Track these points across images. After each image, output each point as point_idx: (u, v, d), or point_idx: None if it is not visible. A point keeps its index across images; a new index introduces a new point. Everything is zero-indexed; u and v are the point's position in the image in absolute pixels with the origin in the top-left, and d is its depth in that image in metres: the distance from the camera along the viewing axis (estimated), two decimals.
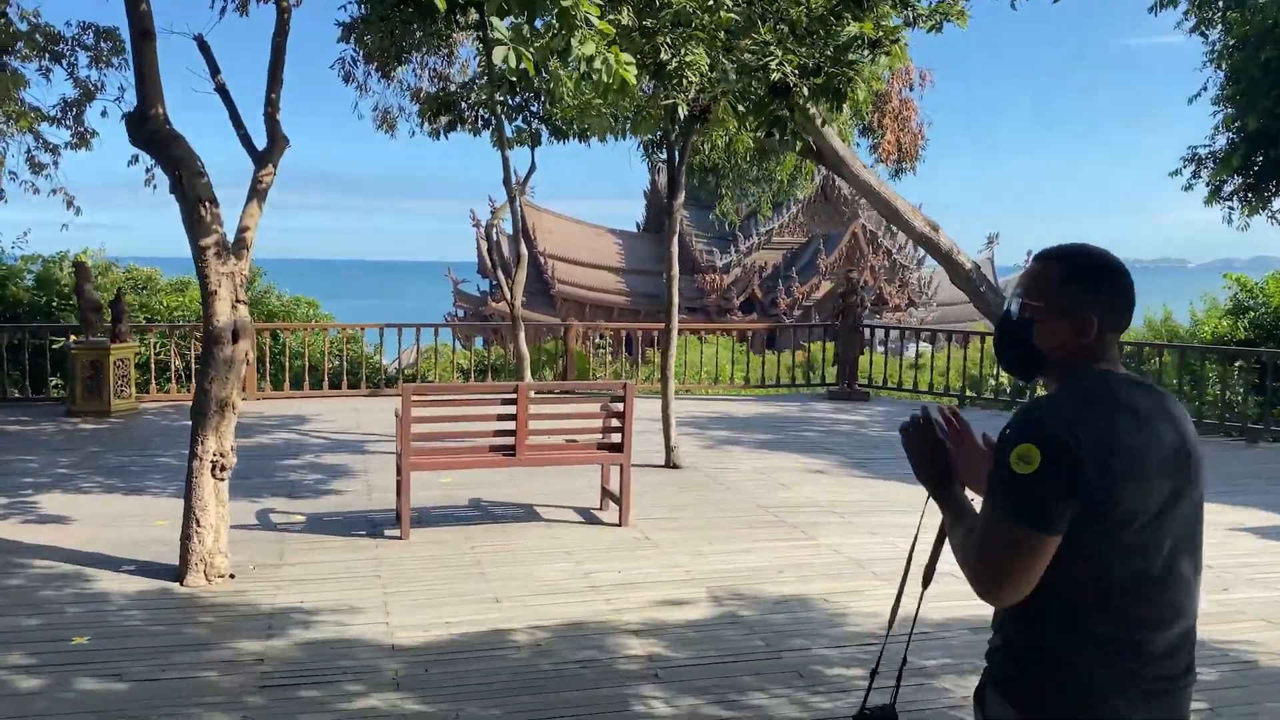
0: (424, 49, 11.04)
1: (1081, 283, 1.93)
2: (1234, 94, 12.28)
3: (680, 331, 16.13)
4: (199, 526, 6.08)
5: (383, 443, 10.05)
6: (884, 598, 5.60)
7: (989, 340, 14.67)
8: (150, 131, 6.24)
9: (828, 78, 6.75)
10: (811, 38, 6.96)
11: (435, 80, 11.83)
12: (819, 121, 11.69)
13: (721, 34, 7.10)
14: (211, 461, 6.12)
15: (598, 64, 5.86)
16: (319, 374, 13.53)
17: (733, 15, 6.87)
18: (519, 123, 10.40)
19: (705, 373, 14.95)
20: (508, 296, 10.10)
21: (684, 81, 6.76)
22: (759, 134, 7.76)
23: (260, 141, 6.83)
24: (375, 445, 10.05)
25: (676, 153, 8.60)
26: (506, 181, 9.88)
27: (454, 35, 11.28)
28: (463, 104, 10.50)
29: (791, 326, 17.48)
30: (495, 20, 5.72)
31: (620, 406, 7.28)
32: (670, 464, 9.08)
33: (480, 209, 46.20)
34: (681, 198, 8.79)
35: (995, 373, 15.31)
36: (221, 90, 6.66)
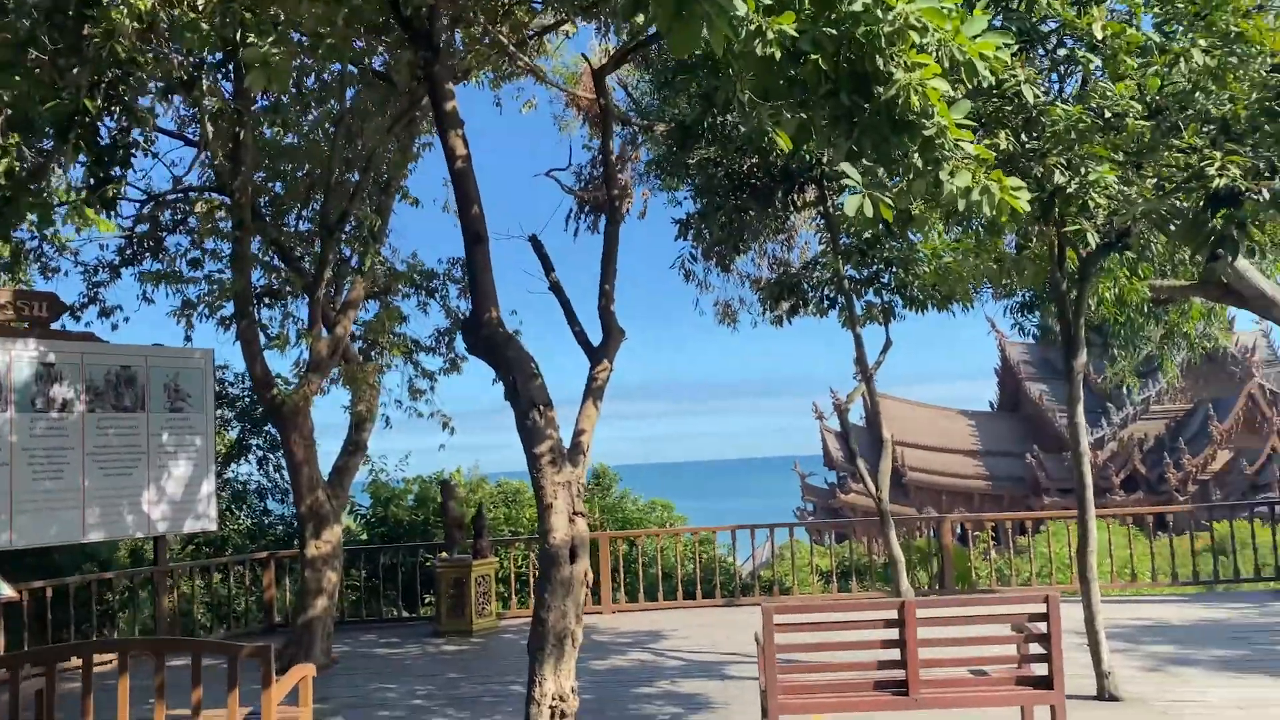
0: (762, 236, 10.40)
1: None
2: None
3: (1062, 518, 13.71)
4: None
5: (743, 664, 8.75)
6: None
7: None
8: (485, 336, 5.78)
9: None
10: (1255, 135, 5.31)
11: (774, 267, 11.13)
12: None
13: (1123, 150, 5.65)
14: (550, 708, 5.15)
15: (976, 195, 4.62)
16: (673, 581, 12.64)
17: (1142, 123, 5.41)
18: (869, 296, 9.29)
19: (1121, 570, 12.28)
20: (870, 488, 8.70)
21: (1089, 205, 5.32)
22: (1196, 258, 6.04)
23: (596, 337, 6.23)
24: (735, 668, 8.76)
25: (1070, 302, 6.99)
26: (860, 360, 8.69)
27: (791, 219, 10.58)
28: (805, 285, 9.61)
29: (1228, 506, 14.29)
30: (846, 166, 4.71)
31: (1043, 627, 5.53)
32: (1105, 695, 6.96)
33: (823, 401, 45.39)
34: (1083, 357, 7.10)
35: None
36: (555, 288, 6.17)
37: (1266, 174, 5.15)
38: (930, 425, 46.18)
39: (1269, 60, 5.80)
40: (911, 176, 4.88)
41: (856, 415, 40.36)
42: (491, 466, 17.94)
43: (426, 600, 13.10)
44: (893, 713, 6.13)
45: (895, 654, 5.58)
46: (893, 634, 5.65)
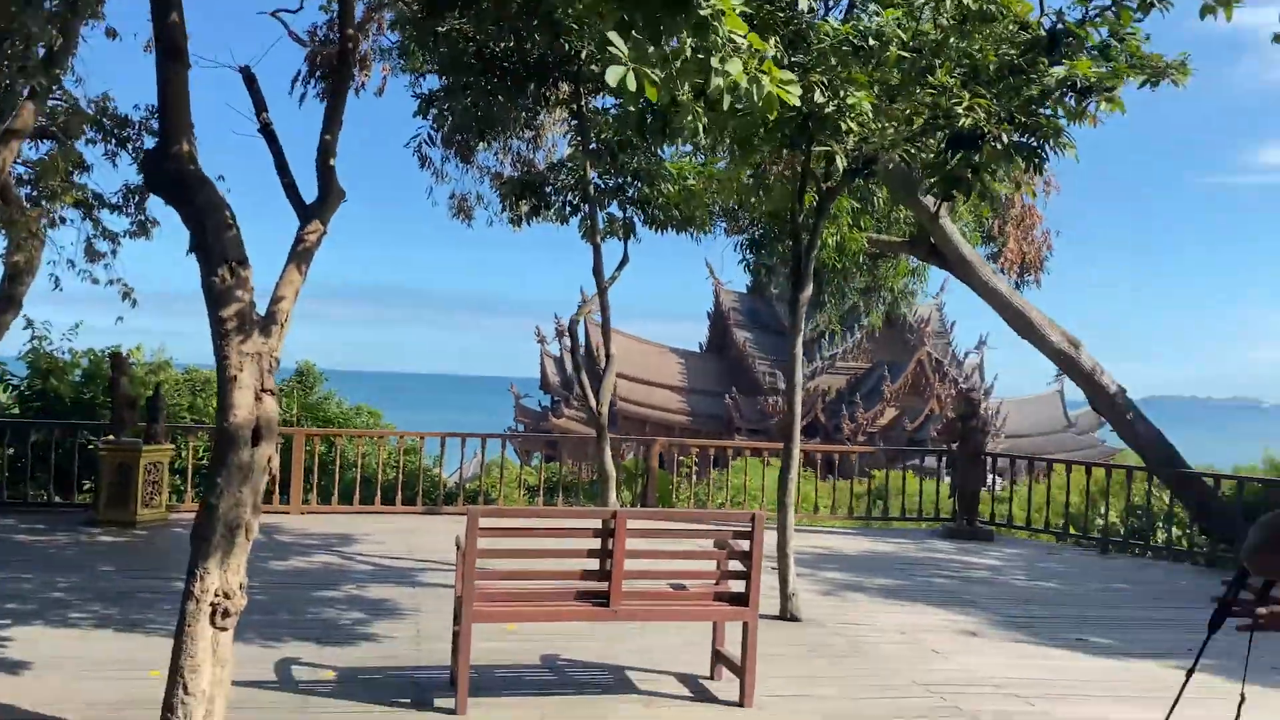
0: (508, 130, 9.74)
1: None
2: None
3: (757, 452, 14.36)
4: (186, 694, 4.35)
5: (438, 572, 8.31)
6: None
7: (1098, 472, 12.69)
8: (172, 172, 4.81)
9: (1027, 129, 5.16)
10: (1000, 85, 5.41)
11: (518, 165, 10.55)
12: (942, 213, 10.10)
13: (880, 82, 5.59)
14: (211, 605, 4.44)
15: (745, 84, 4.33)
16: (373, 487, 11.92)
17: (902, 54, 5.35)
18: (612, 209, 8.96)
19: (802, 503, 12.97)
20: (590, 401, 8.45)
21: (842, 129, 5.21)
22: (934, 193, 6.16)
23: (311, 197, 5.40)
24: (429, 575, 8.30)
25: (805, 234, 6.99)
26: (597, 270, 8.36)
27: (541, 116, 10.01)
28: (549, 187, 9.12)
29: (899, 450, 15.53)
30: (613, 35, 4.24)
31: (745, 545, 5.48)
32: (787, 615, 7.19)
33: (546, 326, 45.46)
34: (809, 290, 7.16)
35: (1103, 510, 13.20)
36: (266, 130, 5.26)
37: (1007, 121, 5.27)
38: (644, 359, 47.50)
39: (1014, 22, 5.96)
40: (680, 62, 4.50)
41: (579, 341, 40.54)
42: (181, 355, 16.06)
43: (85, 487, 11.54)
44: (591, 624, 5.92)
45: (600, 564, 5.34)
46: (599, 544, 5.42)
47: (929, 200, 10.32)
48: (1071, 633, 7.30)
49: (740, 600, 5.43)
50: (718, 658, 5.79)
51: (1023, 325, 10.82)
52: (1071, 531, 12.33)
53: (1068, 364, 10.91)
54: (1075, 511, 13.88)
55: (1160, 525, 12.55)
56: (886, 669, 6.11)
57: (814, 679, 5.86)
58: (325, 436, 12.47)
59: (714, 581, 5.58)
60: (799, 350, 7.16)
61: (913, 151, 5.52)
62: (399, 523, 10.87)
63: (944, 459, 12.16)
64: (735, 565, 5.55)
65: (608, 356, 8.32)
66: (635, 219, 8.93)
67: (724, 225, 11.26)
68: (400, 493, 11.72)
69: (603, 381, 8.28)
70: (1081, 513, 12.94)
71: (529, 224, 9.28)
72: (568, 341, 9.56)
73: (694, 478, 12.45)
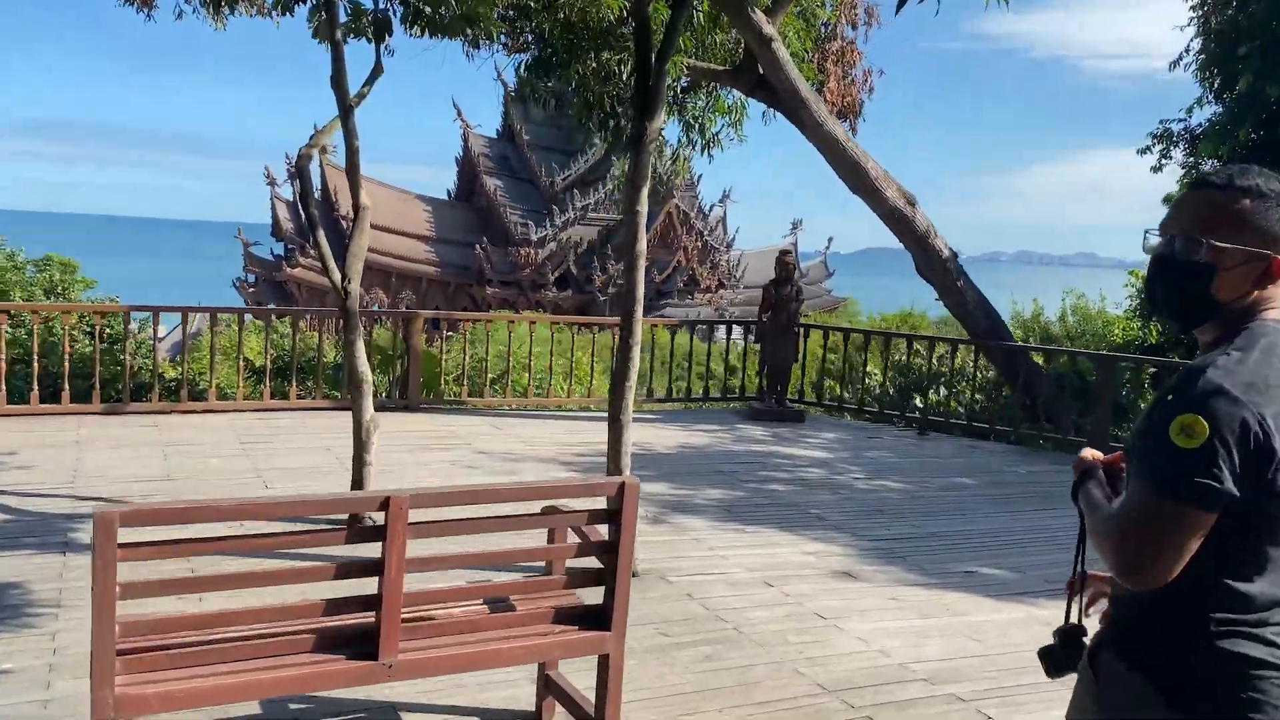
0: None
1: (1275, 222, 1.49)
2: (1247, 54, 9.47)
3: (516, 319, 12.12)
4: None
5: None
6: None
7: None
8: None
9: None
10: None
11: None
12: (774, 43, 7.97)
13: None
14: None
15: None
16: (28, 378, 8.58)
17: None
18: None
19: (583, 376, 10.83)
20: (334, 279, 5.72)
21: None
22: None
23: None
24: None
25: (656, 43, 4.57)
26: (337, 81, 5.52)
27: None
28: None
29: (710, 323, 13.61)
30: None
31: (604, 531, 3.28)
32: None
33: (276, 167, 39.93)
34: (660, 119, 4.83)
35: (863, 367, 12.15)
36: None
37: None
38: (387, 206, 43.12)
39: None
40: None
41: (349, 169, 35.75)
42: None
43: None
44: (346, 692, 3.51)
45: (365, 584, 2.96)
46: (364, 550, 3.04)
47: (761, 18, 8.09)
48: (952, 562, 5.78)
49: (597, 620, 3.25)
50: (548, 688, 3.61)
51: (857, 179, 9.02)
52: (885, 412, 10.97)
53: (901, 224, 9.30)
54: (833, 368, 12.78)
55: (928, 385, 11.61)
56: (774, 665, 4.17)
57: (679, 691, 3.83)
58: None
59: (555, 590, 3.35)
60: (643, 206, 4.83)
61: None
62: (64, 431, 7.73)
63: (750, 329, 10.44)
64: (586, 561, 3.34)
65: (356, 210, 5.60)
66: (392, 11, 6.05)
67: (504, 39, 8.56)
68: (69, 384, 8.47)
69: (350, 246, 5.56)
70: (842, 371, 11.41)
71: (233, 12, 6.15)
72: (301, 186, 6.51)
73: (466, 358, 9.96)
